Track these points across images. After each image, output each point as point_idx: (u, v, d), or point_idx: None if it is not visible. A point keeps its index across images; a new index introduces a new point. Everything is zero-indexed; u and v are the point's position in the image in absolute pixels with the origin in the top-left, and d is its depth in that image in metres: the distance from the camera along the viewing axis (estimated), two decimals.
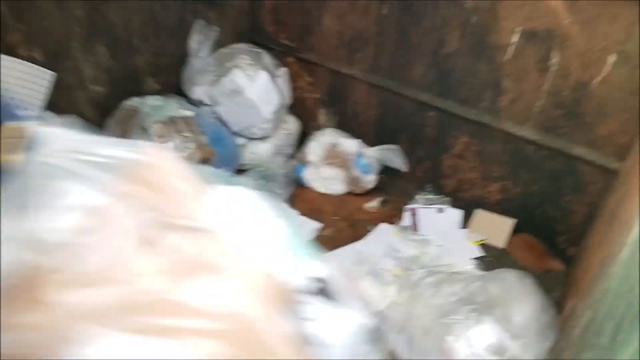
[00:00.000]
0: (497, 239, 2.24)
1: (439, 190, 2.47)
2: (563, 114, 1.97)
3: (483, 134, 2.22)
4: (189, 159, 2.15)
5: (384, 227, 2.34)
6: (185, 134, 2.18)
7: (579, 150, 1.97)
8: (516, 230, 2.26)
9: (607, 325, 1.00)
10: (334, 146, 2.56)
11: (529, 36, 1.93)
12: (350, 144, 2.53)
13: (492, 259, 2.16)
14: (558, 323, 1.62)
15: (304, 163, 2.61)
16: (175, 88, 2.56)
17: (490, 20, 2.00)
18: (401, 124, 2.48)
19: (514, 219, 2.26)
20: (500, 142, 2.19)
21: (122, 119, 2.19)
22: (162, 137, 2.14)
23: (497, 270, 1.77)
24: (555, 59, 1.90)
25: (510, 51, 2.01)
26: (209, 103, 2.47)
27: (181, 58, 2.52)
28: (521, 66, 2.00)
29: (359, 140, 2.56)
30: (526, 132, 2.08)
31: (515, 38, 1.97)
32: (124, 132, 2.14)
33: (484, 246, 2.23)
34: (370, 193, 2.58)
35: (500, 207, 2.32)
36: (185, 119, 2.26)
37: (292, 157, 2.73)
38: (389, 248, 2.16)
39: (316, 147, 2.59)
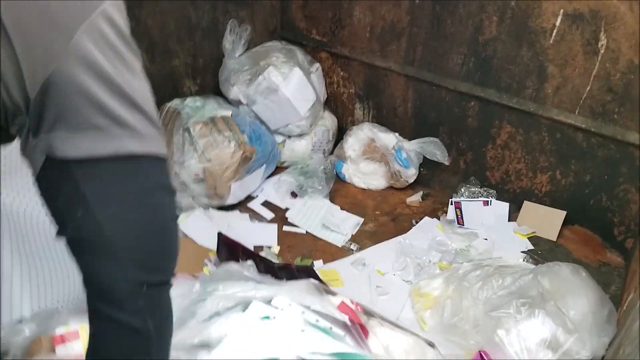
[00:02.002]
0: (547, 232, 2.16)
1: (483, 182, 2.40)
2: (614, 99, 1.88)
3: (528, 122, 2.15)
4: (232, 157, 2.17)
5: (427, 221, 2.30)
6: (226, 134, 2.19)
7: (634, 136, 1.88)
8: (567, 222, 2.18)
9: None
10: (372, 141, 2.53)
11: (574, 18, 1.86)
12: (388, 138, 2.49)
13: (543, 252, 2.09)
14: (616, 318, 1.55)
15: (342, 159, 2.58)
16: (213, 88, 2.58)
17: (531, 3, 1.92)
18: (440, 116, 2.42)
19: (564, 210, 2.18)
20: (547, 130, 2.12)
21: (165, 121, 2.22)
22: (205, 138, 2.16)
23: (550, 263, 1.70)
24: (603, 41, 1.82)
25: (553, 35, 1.93)
26: (245, 102, 2.48)
27: (217, 58, 2.54)
28: (566, 50, 1.93)
29: (397, 134, 2.52)
30: (575, 119, 2.00)
31: (558, 21, 1.90)
32: (168, 134, 2.17)
33: (534, 239, 2.16)
34: (411, 187, 2.54)
35: (549, 199, 2.24)
36: (224, 118, 2.27)
37: (330, 153, 2.72)
38: (433, 242, 2.12)
39: (354, 142, 2.56)
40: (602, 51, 1.84)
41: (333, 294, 0.99)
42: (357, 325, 0.93)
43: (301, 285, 0.95)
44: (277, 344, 0.80)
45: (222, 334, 0.84)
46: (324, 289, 0.98)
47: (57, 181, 0.65)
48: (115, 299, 0.68)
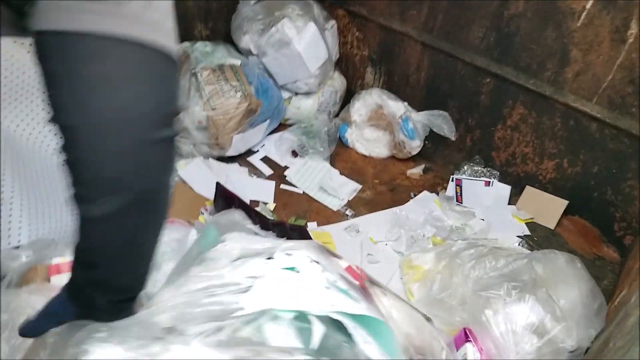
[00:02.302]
0: (546, 219, 2.14)
1: (487, 162, 2.37)
2: (635, 92, 1.82)
3: (542, 106, 2.10)
4: (236, 108, 2.11)
5: (426, 195, 2.28)
6: (233, 83, 2.13)
7: None
8: (568, 212, 2.16)
9: None
10: (379, 107, 2.48)
11: (606, 2, 1.78)
12: (396, 106, 2.43)
13: (539, 239, 2.08)
14: (606, 311, 1.54)
15: (347, 122, 2.53)
16: (224, 35, 2.51)
17: None
18: (453, 89, 2.36)
19: (566, 200, 2.16)
20: (561, 116, 2.06)
21: None
22: (211, 85, 2.10)
23: (546, 250, 1.69)
24: (634, 30, 1.75)
25: (582, 18, 1.86)
26: (256, 53, 2.41)
27: (231, 4, 2.44)
28: (593, 35, 1.86)
29: (406, 103, 2.46)
30: (591, 107, 1.95)
31: (589, 4, 1.82)
32: None
33: (532, 225, 2.14)
34: (413, 159, 2.50)
35: (552, 186, 2.21)
36: (233, 67, 2.21)
37: (336, 115, 2.66)
38: (429, 216, 2.10)
39: (361, 106, 2.51)
40: (630, 40, 1.77)
41: (339, 257, 0.96)
42: (367, 291, 0.91)
43: (309, 245, 0.92)
44: (304, 297, 0.77)
45: (249, 278, 0.80)
46: (329, 251, 0.95)
47: (42, 57, 0.57)
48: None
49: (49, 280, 1.16)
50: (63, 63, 0.55)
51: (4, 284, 1.15)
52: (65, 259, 1.19)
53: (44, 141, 1.53)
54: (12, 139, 1.45)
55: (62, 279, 1.15)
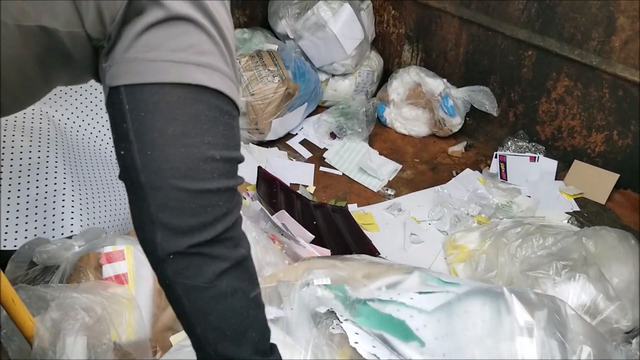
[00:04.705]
0: (596, 194, 2.08)
1: (532, 137, 2.30)
2: None
3: (588, 77, 2.01)
4: (275, 93, 2.12)
5: (468, 173, 2.24)
6: (271, 68, 2.14)
7: None
8: (619, 186, 2.08)
9: None
10: (417, 85, 2.43)
11: None
12: (435, 84, 2.39)
13: (589, 215, 2.02)
14: None
15: (385, 102, 2.51)
16: (261, 21, 2.52)
17: None
18: (493, 64, 2.29)
19: (617, 173, 2.08)
20: (608, 87, 1.98)
21: None
22: (250, 71, 2.11)
23: (597, 227, 1.64)
24: None
25: None
26: (292, 37, 2.41)
27: None
28: None
29: (445, 80, 2.41)
30: None
31: None
32: None
33: (582, 201, 2.08)
34: (454, 136, 2.45)
35: (602, 160, 2.13)
36: (270, 52, 2.22)
37: (373, 95, 2.64)
38: (473, 194, 2.07)
39: (399, 85, 2.47)
40: None
41: None
42: None
43: None
44: None
45: None
46: None
47: (111, 113, 0.59)
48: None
49: (100, 268, 1.19)
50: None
51: (58, 275, 1.18)
52: (116, 247, 1.22)
53: (93, 132, 1.58)
54: (63, 131, 1.50)
55: (113, 268, 1.19)
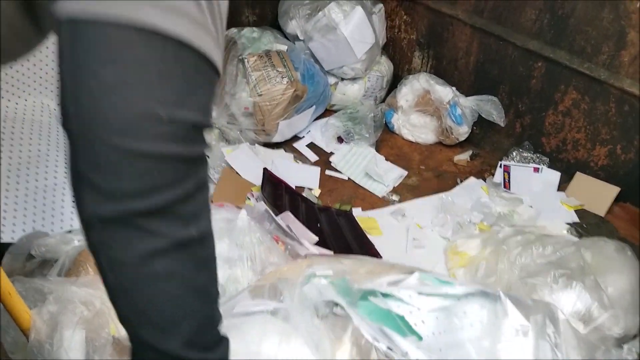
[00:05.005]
0: (597, 207, 2.08)
1: (537, 148, 2.31)
2: None
3: (596, 90, 2.03)
4: (283, 94, 2.15)
5: (473, 182, 2.26)
6: (279, 69, 2.17)
7: None
8: (619, 199, 2.09)
9: None
10: (427, 92, 2.45)
11: None
12: (444, 92, 2.41)
13: (588, 226, 2.03)
14: None
15: (394, 108, 2.53)
16: (271, 20, 2.54)
17: None
18: (503, 74, 2.31)
19: (618, 187, 2.08)
20: (615, 101, 1.99)
21: None
22: (258, 71, 2.14)
23: (595, 238, 1.65)
24: None
25: None
26: (302, 38, 2.43)
27: None
28: None
29: (454, 88, 2.43)
30: None
31: None
32: (222, 62, 2.16)
33: (582, 212, 2.09)
34: (460, 145, 2.47)
35: (604, 173, 2.14)
36: (280, 53, 2.24)
37: (382, 101, 2.66)
38: (477, 202, 2.09)
39: (408, 92, 2.49)
40: None
41: None
42: None
43: None
44: None
45: None
46: None
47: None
48: None
49: None
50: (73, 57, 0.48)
51: (56, 269, 1.18)
52: None
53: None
54: (59, 122, 1.52)
55: None
